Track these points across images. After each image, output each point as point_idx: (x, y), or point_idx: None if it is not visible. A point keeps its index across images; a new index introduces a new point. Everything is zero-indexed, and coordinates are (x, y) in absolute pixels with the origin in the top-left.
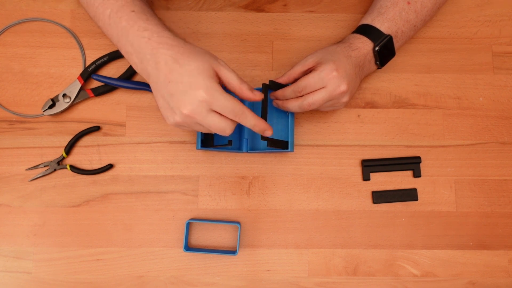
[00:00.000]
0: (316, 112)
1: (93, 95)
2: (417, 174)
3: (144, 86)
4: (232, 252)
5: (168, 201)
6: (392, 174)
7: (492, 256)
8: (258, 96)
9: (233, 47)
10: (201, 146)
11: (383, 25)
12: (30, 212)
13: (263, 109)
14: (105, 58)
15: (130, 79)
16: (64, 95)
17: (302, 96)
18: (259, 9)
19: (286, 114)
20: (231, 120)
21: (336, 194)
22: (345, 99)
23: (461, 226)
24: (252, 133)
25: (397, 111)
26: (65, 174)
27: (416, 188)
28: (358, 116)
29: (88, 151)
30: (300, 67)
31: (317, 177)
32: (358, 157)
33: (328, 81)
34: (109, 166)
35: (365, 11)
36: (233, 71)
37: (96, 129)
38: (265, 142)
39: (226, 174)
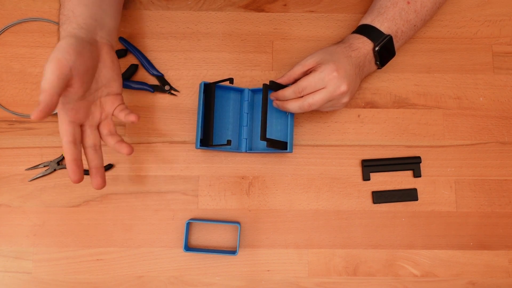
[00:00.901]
0: (316, 112)
1: None
2: (417, 174)
3: (144, 86)
4: (232, 252)
5: (168, 201)
6: (392, 174)
7: (492, 256)
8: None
9: (233, 47)
10: (200, 146)
11: (383, 25)
12: (30, 212)
13: (263, 109)
14: None
15: (130, 79)
16: None
17: (302, 96)
18: (259, 9)
19: (286, 114)
20: None
21: (336, 194)
22: (345, 99)
23: (461, 226)
24: (251, 133)
25: (397, 111)
26: (65, 174)
27: (416, 188)
28: (358, 116)
29: None
30: (300, 67)
31: (317, 177)
32: (358, 157)
33: (328, 82)
34: (109, 166)
35: (365, 11)
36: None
37: None
38: (264, 142)
39: (226, 174)
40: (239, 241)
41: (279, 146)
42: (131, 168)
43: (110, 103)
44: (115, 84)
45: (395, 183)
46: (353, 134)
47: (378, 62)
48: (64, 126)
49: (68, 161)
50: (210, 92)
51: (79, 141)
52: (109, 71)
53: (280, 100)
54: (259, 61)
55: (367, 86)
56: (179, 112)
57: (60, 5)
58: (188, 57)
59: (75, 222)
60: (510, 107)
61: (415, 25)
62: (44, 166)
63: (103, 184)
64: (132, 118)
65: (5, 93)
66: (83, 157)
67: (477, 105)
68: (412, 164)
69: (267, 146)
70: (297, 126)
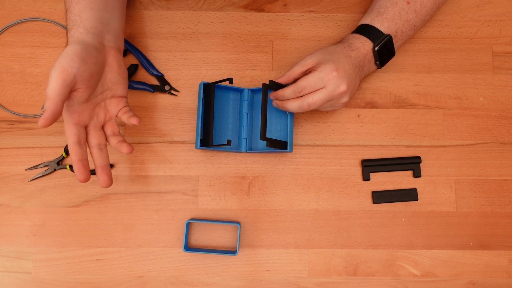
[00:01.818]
0: (316, 112)
1: None
2: (417, 174)
3: (144, 86)
4: (232, 252)
5: (168, 201)
6: (392, 174)
7: (492, 256)
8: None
9: (233, 47)
10: (200, 146)
11: (383, 25)
12: (30, 212)
13: (263, 109)
14: None
15: (130, 79)
16: None
17: (301, 96)
18: (259, 9)
19: (285, 114)
20: None
21: (336, 194)
22: (345, 99)
23: (461, 226)
24: (251, 133)
25: (397, 111)
26: (65, 174)
27: (416, 188)
28: (358, 116)
29: (88, 151)
30: (299, 67)
31: (317, 177)
32: (358, 157)
33: (328, 81)
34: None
35: (365, 11)
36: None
37: None
38: (264, 142)
39: (226, 174)
40: (239, 241)
41: (279, 145)
42: (131, 168)
43: (114, 105)
44: (120, 87)
45: (395, 183)
46: (353, 134)
47: (377, 62)
48: (69, 127)
49: (74, 161)
50: (209, 92)
51: (84, 142)
52: (115, 74)
53: (279, 99)
54: (259, 61)
55: (367, 86)
56: (179, 112)
57: (66, 10)
58: (188, 57)
59: (75, 222)
60: (510, 107)
61: (415, 25)
62: (44, 166)
63: (110, 182)
64: (134, 121)
65: (5, 93)
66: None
67: (477, 105)
68: (412, 164)
69: (267, 145)
70: (297, 126)
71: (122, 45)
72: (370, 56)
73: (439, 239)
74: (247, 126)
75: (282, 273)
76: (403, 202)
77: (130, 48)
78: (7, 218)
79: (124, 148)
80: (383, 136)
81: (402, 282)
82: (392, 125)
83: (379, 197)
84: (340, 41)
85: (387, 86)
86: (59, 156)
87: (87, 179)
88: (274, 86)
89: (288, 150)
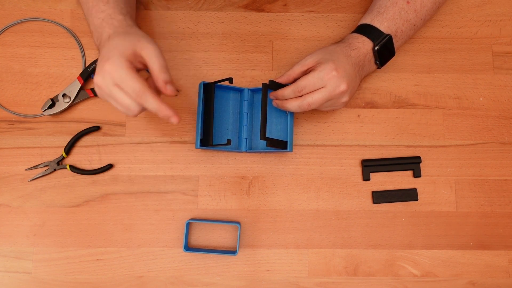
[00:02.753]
0: (316, 112)
1: (93, 95)
2: (417, 174)
3: None
4: (232, 252)
5: (168, 201)
6: (392, 174)
7: (492, 256)
8: (169, 91)
9: (233, 47)
10: (200, 145)
11: (383, 25)
12: (30, 212)
13: (263, 109)
14: None
15: None
16: (64, 95)
17: (301, 96)
18: (259, 9)
19: (285, 114)
20: (136, 100)
21: (336, 194)
22: (344, 99)
23: (461, 226)
24: (251, 133)
25: (397, 111)
26: (65, 174)
27: (416, 188)
28: (358, 116)
29: (88, 151)
30: (299, 67)
31: (317, 177)
32: (358, 157)
33: (327, 81)
34: (109, 166)
35: (365, 11)
36: (161, 59)
37: (96, 129)
38: (264, 142)
39: (226, 174)
40: (239, 241)
41: (279, 145)
42: (131, 168)
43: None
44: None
45: (395, 183)
46: (353, 134)
47: (377, 62)
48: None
49: (161, 103)
50: (209, 92)
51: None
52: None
53: (279, 99)
54: (259, 61)
55: (367, 86)
56: (179, 112)
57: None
58: (188, 57)
59: (75, 222)
60: (510, 107)
61: (414, 25)
62: (44, 166)
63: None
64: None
65: (5, 93)
66: (85, 158)
67: (477, 105)
68: (412, 164)
69: (267, 145)
70: (297, 126)
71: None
72: (370, 55)
73: (439, 239)
74: (247, 126)
75: (282, 273)
76: (403, 202)
77: None
78: (7, 218)
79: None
80: (383, 136)
81: (402, 282)
82: (392, 125)
83: (379, 197)
84: (340, 41)
85: (387, 86)
86: (59, 156)
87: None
88: (274, 86)
89: (288, 150)
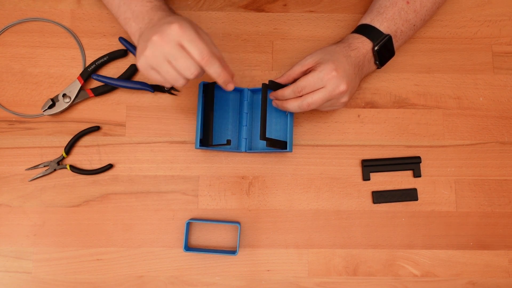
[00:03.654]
0: (316, 112)
1: (93, 95)
2: (417, 174)
3: (144, 86)
4: (232, 252)
5: (168, 201)
6: (392, 174)
7: (492, 256)
8: (226, 74)
9: (233, 47)
10: (200, 145)
11: (382, 25)
12: (30, 212)
13: (262, 109)
14: (105, 58)
15: (130, 79)
16: (64, 95)
17: (301, 96)
18: (259, 9)
19: (285, 114)
20: (197, 63)
21: (336, 194)
22: (344, 99)
23: (461, 226)
24: (251, 133)
25: (397, 111)
26: (65, 174)
27: (416, 188)
28: (358, 116)
29: (88, 151)
30: (299, 67)
31: (317, 177)
32: (358, 157)
33: (327, 81)
34: (109, 166)
35: (365, 11)
36: (216, 46)
37: (96, 129)
38: (264, 142)
39: (226, 174)
40: (239, 241)
41: (279, 145)
42: (131, 168)
43: None
44: None
45: (395, 183)
46: (353, 134)
47: (377, 62)
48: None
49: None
50: (209, 92)
51: None
52: None
53: (279, 99)
54: (259, 61)
55: (367, 86)
56: (179, 112)
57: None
58: None
59: (75, 222)
60: (510, 107)
61: (414, 25)
62: (44, 166)
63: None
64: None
65: (5, 93)
66: (85, 158)
67: (477, 105)
68: (412, 164)
69: (266, 145)
70: (297, 126)
71: None
72: (369, 55)
73: (439, 239)
74: (247, 126)
75: (282, 273)
76: (403, 202)
77: (130, 48)
78: (7, 218)
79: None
80: (383, 136)
81: (402, 282)
82: (392, 125)
83: (379, 197)
84: (339, 41)
85: (387, 86)
86: (59, 156)
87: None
88: (274, 86)
89: (287, 150)
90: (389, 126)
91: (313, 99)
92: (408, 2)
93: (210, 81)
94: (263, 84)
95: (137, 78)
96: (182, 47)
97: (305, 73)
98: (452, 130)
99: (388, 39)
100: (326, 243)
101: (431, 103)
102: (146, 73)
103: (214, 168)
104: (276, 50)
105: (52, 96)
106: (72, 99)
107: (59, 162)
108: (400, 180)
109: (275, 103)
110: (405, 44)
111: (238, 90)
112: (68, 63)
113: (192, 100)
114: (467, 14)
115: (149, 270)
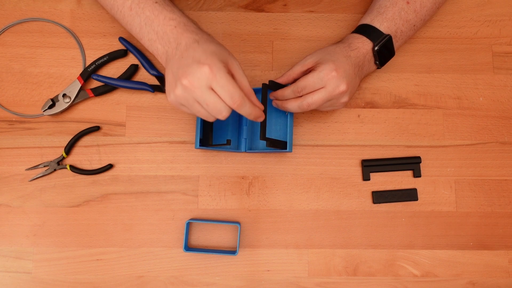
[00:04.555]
0: (316, 112)
1: (93, 95)
2: (417, 174)
3: (144, 86)
4: (232, 252)
5: (168, 201)
6: (392, 174)
7: (492, 256)
8: (257, 111)
9: (233, 47)
10: (200, 145)
11: (383, 25)
12: (30, 212)
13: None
14: (105, 58)
15: (130, 79)
16: (64, 95)
17: (301, 96)
18: (259, 9)
19: (285, 114)
20: (232, 105)
21: (336, 194)
22: (344, 99)
23: (461, 226)
24: (251, 133)
25: (397, 111)
26: (65, 174)
27: (416, 188)
28: (358, 116)
29: (88, 151)
30: (299, 67)
31: (317, 177)
32: (358, 157)
33: (327, 81)
34: (109, 166)
35: (365, 11)
36: (245, 75)
37: (96, 129)
38: (264, 142)
39: (226, 174)
40: (239, 241)
41: (279, 145)
42: (131, 168)
43: None
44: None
45: (395, 183)
46: (353, 134)
47: (377, 62)
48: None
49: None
50: None
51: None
52: None
53: (279, 99)
54: (259, 61)
55: (367, 86)
56: (179, 112)
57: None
58: None
59: (75, 222)
60: (510, 107)
61: (414, 25)
62: (44, 166)
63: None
64: None
65: (5, 93)
66: (85, 158)
67: (477, 105)
68: (412, 164)
69: (266, 145)
70: (297, 126)
71: None
72: (369, 56)
73: (439, 239)
74: (246, 126)
75: (282, 273)
76: (403, 202)
77: (130, 48)
78: (7, 218)
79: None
80: (383, 136)
81: (402, 282)
82: (392, 125)
83: (379, 197)
84: (339, 41)
85: (387, 86)
86: (59, 156)
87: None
88: (274, 86)
89: (287, 150)
90: (389, 126)
91: (313, 99)
92: (408, 2)
93: None
94: (263, 84)
95: (137, 78)
96: (213, 90)
97: (305, 73)
98: (452, 130)
99: (388, 39)
100: (326, 243)
101: (431, 103)
102: (176, 108)
103: (214, 168)
104: (276, 50)
105: (52, 96)
106: (72, 99)
107: (59, 162)
108: (400, 180)
109: (275, 103)
110: (405, 44)
111: None
112: (68, 63)
113: None
114: (467, 14)
115: (149, 270)
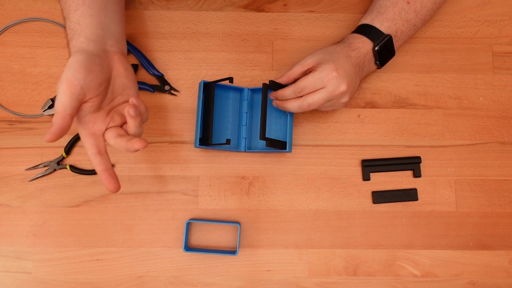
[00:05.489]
0: (316, 112)
1: None
2: (417, 174)
3: (144, 86)
4: (232, 252)
5: (168, 201)
6: (392, 174)
7: (492, 256)
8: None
9: (233, 47)
10: (200, 144)
11: (383, 25)
12: (30, 212)
13: (263, 109)
14: None
15: None
16: None
17: (301, 96)
18: (259, 9)
19: (285, 114)
20: None
21: (336, 194)
22: (345, 99)
23: (461, 226)
24: (251, 133)
25: (397, 111)
26: (65, 174)
27: (416, 188)
28: (358, 116)
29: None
30: (299, 67)
31: (317, 177)
32: (358, 157)
33: (327, 81)
34: None
35: (365, 11)
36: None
37: None
38: (264, 142)
39: (226, 174)
40: (239, 241)
41: (278, 145)
42: (131, 168)
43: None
44: (131, 92)
45: (395, 183)
46: (353, 134)
47: (377, 62)
48: (86, 139)
49: (100, 172)
50: (209, 91)
51: (105, 151)
52: (123, 79)
53: (279, 99)
54: (259, 61)
55: (367, 86)
56: (179, 112)
57: (65, 18)
58: (188, 57)
59: (75, 222)
60: (510, 107)
61: (415, 25)
62: (44, 166)
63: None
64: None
65: (5, 93)
66: (85, 158)
67: (477, 105)
68: (412, 164)
69: (266, 145)
70: (297, 126)
71: (125, 48)
72: (370, 56)
73: (439, 239)
74: (246, 125)
75: (282, 273)
76: (403, 202)
77: (130, 48)
78: (7, 218)
79: (136, 144)
80: (383, 136)
81: (402, 282)
82: (392, 125)
83: (379, 197)
84: (340, 41)
85: (387, 86)
86: (59, 156)
87: (118, 188)
88: (274, 86)
89: (287, 150)
90: (389, 126)
91: (314, 100)
92: (408, 2)
93: (210, 80)
94: (264, 84)
95: (137, 78)
96: None
97: (306, 73)
98: (452, 130)
99: (389, 39)
100: (326, 243)
101: (431, 103)
102: None
103: (214, 168)
104: (276, 50)
105: (52, 96)
106: None
107: (59, 162)
108: (400, 180)
109: (275, 103)
110: (405, 44)
111: (238, 90)
112: None
113: (192, 100)
114: (467, 14)
115: (149, 270)
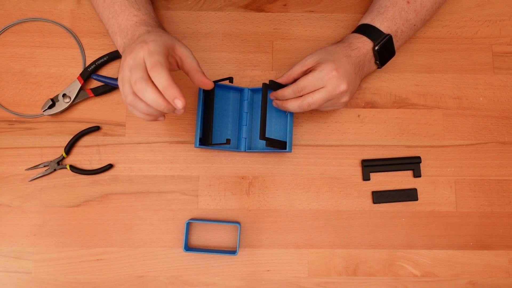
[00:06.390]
0: (316, 112)
1: (93, 95)
2: (417, 174)
3: None
4: (232, 252)
5: (168, 201)
6: (392, 174)
7: (492, 256)
8: (208, 84)
9: (233, 47)
10: (200, 144)
11: (383, 25)
12: (30, 212)
13: (262, 109)
14: (105, 58)
15: None
16: (64, 95)
17: (301, 96)
18: (259, 9)
19: (285, 114)
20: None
21: (336, 194)
22: (345, 99)
23: (461, 226)
24: (251, 133)
25: (397, 111)
26: (65, 174)
27: (416, 188)
28: (358, 116)
29: (88, 151)
30: (299, 67)
31: (317, 177)
32: (358, 157)
33: (327, 81)
34: (109, 166)
35: (365, 11)
36: (194, 58)
37: (96, 129)
38: (264, 142)
39: (226, 174)
40: (239, 241)
41: (278, 145)
42: (131, 168)
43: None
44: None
45: (395, 183)
46: (353, 134)
47: (377, 62)
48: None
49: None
50: (210, 91)
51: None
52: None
53: (279, 99)
54: (259, 61)
55: (367, 86)
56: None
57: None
58: None
59: (75, 222)
60: (510, 107)
61: (415, 25)
62: (44, 166)
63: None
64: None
65: (5, 93)
66: (85, 158)
67: (477, 105)
68: (412, 164)
69: (266, 145)
70: (297, 126)
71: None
72: (370, 55)
73: (439, 239)
74: (246, 125)
75: (282, 273)
76: (403, 202)
77: None
78: (7, 218)
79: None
80: (383, 136)
81: (402, 282)
82: (392, 125)
83: (379, 197)
84: (340, 41)
85: (387, 86)
86: (59, 156)
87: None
88: (274, 86)
89: (287, 150)
90: (389, 126)
91: (314, 99)
92: (408, 2)
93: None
94: (264, 84)
95: None
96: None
97: (306, 73)
98: (452, 130)
99: (389, 39)
100: (326, 243)
101: (431, 103)
102: (125, 104)
103: (214, 168)
104: (276, 50)
105: (52, 96)
106: (72, 99)
107: (59, 162)
108: (400, 180)
109: (275, 103)
110: (405, 44)
111: (238, 90)
112: (68, 63)
113: (192, 100)
114: (467, 14)
115: (149, 270)
